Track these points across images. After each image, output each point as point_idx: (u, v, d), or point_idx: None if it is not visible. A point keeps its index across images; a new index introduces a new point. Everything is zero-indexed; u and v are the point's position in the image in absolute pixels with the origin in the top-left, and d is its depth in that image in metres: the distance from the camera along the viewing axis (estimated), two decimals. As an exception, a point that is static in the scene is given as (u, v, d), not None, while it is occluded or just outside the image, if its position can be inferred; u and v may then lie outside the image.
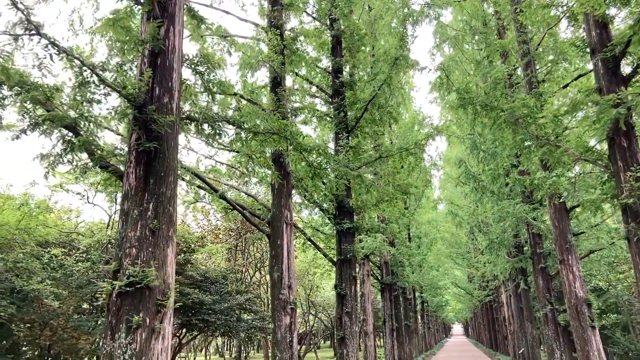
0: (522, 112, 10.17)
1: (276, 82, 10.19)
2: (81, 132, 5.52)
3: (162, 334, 4.73)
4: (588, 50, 9.53)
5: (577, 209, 12.99)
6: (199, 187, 9.62)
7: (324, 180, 7.76)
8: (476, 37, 21.08)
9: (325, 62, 15.89)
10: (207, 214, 20.77)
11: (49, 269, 12.13)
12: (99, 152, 5.26)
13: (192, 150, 12.94)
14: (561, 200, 12.27)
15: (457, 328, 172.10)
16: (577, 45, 9.23)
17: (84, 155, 5.80)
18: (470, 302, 54.77)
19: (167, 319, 4.85)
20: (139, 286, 4.63)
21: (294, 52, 10.28)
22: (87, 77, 5.14)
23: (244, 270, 21.78)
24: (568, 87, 13.80)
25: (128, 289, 4.60)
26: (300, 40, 10.82)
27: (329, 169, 7.20)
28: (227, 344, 32.72)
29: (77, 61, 4.96)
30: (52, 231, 14.27)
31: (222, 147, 15.02)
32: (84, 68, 5.08)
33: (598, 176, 9.15)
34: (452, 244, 39.31)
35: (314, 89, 15.93)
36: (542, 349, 28.29)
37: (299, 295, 30.16)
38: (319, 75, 15.64)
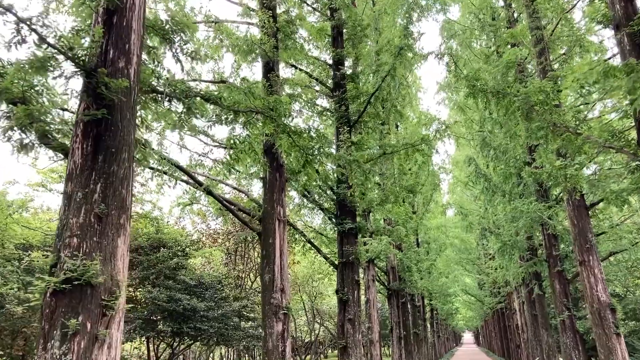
0: (538, 99, 9.27)
1: (268, 68, 9.37)
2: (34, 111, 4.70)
3: (107, 342, 3.87)
4: (611, 26, 8.67)
5: (598, 206, 12.05)
6: (183, 181, 8.78)
7: (318, 169, 6.90)
8: (485, 34, 20.27)
9: (324, 56, 15.12)
10: (205, 217, 19.89)
11: (19, 272, 11.30)
12: (41, 125, 4.43)
13: (185, 148, 12.22)
14: (581, 194, 11.32)
15: (468, 336, 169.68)
16: (598, 20, 8.34)
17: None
18: (481, 309, 53.54)
19: (116, 324, 3.99)
20: (77, 283, 3.77)
21: (288, 36, 9.46)
22: (25, 36, 4.32)
23: (243, 275, 20.91)
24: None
25: (64, 286, 3.75)
26: (296, 25, 9.98)
27: (322, 156, 6.36)
28: (229, 353, 31.78)
29: (10, 15, 4.14)
30: (36, 233, 13.44)
31: (217, 143, 14.26)
32: (22, 25, 4.26)
33: (626, 164, 8.21)
34: (461, 250, 38.35)
35: (317, 86, 15.15)
36: (558, 357, 27.09)
37: (303, 303, 29.17)
38: (319, 67, 14.84)
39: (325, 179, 6.76)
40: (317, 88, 15.09)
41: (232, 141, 6.30)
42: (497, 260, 24.53)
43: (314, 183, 8.23)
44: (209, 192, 8.33)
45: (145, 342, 16.90)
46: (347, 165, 6.50)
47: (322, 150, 6.32)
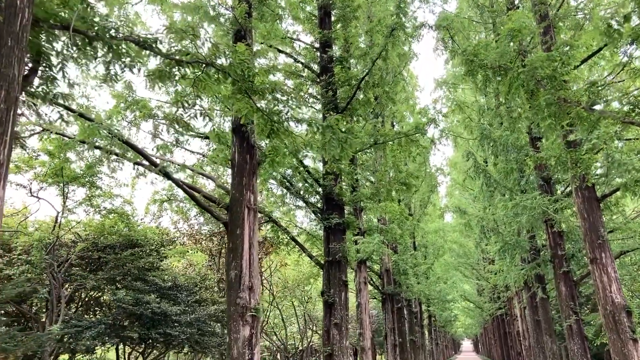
0: (545, 72, 8.18)
1: (239, 36, 8.23)
2: None
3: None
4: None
5: (611, 198, 10.94)
6: (137, 163, 7.63)
7: (287, 142, 5.76)
8: (483, 25, 19.31)
9: (310, 39, 14.08)
10: (184, 215, 18.56)
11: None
12: None
13: (159, 138, 11.23)
14: (592, 185, 10.18)
15: (467, 344, 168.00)
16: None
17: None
18: (480, 316, 52.44)
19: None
20: None
21: (262, 1, 8.36)
22: None
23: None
24: (595, 58, 11.81)
25: None
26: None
27: (291, 121, 5.24)
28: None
29: None
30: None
31: (195, 134, 13.19)
32: None
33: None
34: (460, 255, 37.38)
35: (303, 74, 14.09)
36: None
37: (294, 308, 27.94)
38: (305, 51, 13.78)
39: (295, 152, 5.64)
40: (305, 74, 14.07)
41: (178, 98, 5.16)
42: (497, 263, 23.42)
43: (285, 160, 7.07)
44: (165, 174, 7.18)
45: (115, 350, 15.61)
46: (320, 134, 5.38)
47: (290, 114, 5.19)
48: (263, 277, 22.95)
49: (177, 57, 4.67)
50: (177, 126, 10.91)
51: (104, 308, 14.59)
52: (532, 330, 21.13)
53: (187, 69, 4.94)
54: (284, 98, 5.26)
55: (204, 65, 4.84)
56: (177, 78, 5.14)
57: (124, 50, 4.53)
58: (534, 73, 8.15)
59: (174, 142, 12.46)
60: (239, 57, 4.88)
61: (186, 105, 5.22)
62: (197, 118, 5.35)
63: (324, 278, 11.48)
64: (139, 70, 4.91)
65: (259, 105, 5.42)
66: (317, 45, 13.42)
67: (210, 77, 5.01)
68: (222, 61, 5.01)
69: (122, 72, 4.84)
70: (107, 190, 13.26)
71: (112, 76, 4.77)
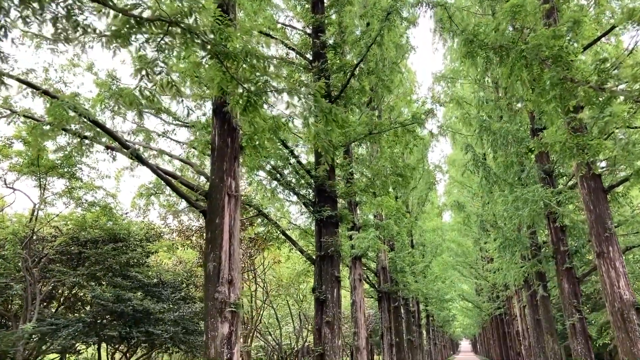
0: (551, 52, 7.60)
1: (223, 10, 7.63)
2: None
3: None
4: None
5: (618, 189, 10.36)
6: (110, 148, 7.04)
7: (266, 116, 5.15)
8: (482, 13, 18.74)
9: (301, 25, 13.54)
10: (171, 208, 17.76)
11: None
12: None
13: (141, 126, 10.77)
14: (599, 175, 9.61)
15: (465, 344, 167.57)
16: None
17: None
18: (478, 316, 51.93)
19: None
20: None
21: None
22: None
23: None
24: (598, 43, 11.26)
25: None
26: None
27: (269, 92, 4.64)
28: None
29: None
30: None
31: (180, 122, 12.60)
32: None
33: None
34: (458, 254, 36.88)
35: (296, 61, 13.54)
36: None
37: (289, 307, 27.31)
38: (297, 36, 13.25)
39: (276, 129, 5.04)
40: (297, 62, 13.52)
41: (142, 66, 4.56)
42: (497, 260, 22.88)
43: (264, 138, 6.45)
44: (137, 158, 6.59)
45: (97, 350, 14.93)
46: (302, 104, 4.78)
47: (269, 84, 4.59)
48: (256, 275, 22.34)
49: (135, 14, 4.07)
50: (141, 98, 10.34)
51: (86, 306, 13.94)
52: (532, 330, 20.57)
53: (150, 30, 4.35)
54: (261, 64, 4.66)
55: (167, 24, 4.25)
56: (140, 42, 4.54)
57: (75, 5, 3.93)
58: (538, 51, 7.57)
59: (160, 132, 11.88)
60: (209, 15, 4.29)
61: (151, 73, 4.62)
62: (163, 88, 4.76)
63: (316, 274, 10.92)
64: (95, 30, 4.31)
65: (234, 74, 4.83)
66: (309, 31, 12.89)
67: (178, 37, 4.42)
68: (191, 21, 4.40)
69: (75, 32, 4.24)
70: (89, 182, 12.64)
71: (62, 36, 4.17)
